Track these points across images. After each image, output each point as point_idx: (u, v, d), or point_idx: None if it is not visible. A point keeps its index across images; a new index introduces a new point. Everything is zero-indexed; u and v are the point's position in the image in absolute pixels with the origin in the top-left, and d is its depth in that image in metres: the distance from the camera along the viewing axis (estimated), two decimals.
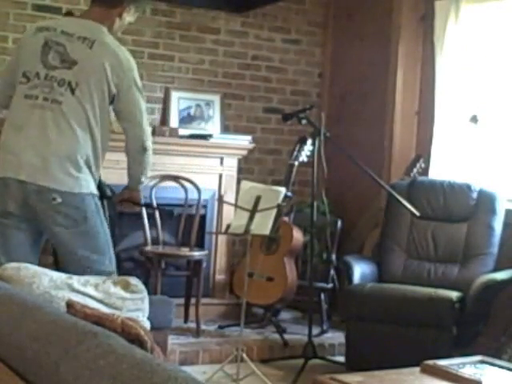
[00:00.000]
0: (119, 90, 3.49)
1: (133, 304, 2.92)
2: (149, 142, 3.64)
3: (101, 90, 3.45)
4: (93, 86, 3.43)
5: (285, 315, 5.42)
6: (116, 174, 4.98)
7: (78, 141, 3.43)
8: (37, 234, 3.59)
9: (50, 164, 3.40)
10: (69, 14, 4.69)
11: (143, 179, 3.77)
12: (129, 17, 3.61)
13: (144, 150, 3.62)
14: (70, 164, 3.42)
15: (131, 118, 3.56)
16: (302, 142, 4.85)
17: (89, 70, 3.43)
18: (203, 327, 4.91)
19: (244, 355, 3.99)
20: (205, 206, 5.34)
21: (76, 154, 3.43)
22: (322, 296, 5.12)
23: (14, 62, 3.59)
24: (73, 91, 3.42)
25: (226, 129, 5.75)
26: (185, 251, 4.97)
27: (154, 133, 5.22)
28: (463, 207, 4.69)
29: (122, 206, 4.08)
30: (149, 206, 4.81)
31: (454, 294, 4.20)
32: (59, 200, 3.41)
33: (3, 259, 3.36)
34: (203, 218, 5.36)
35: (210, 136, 5.36)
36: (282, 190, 4.16)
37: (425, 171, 5.11)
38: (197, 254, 4.97)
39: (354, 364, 4.28)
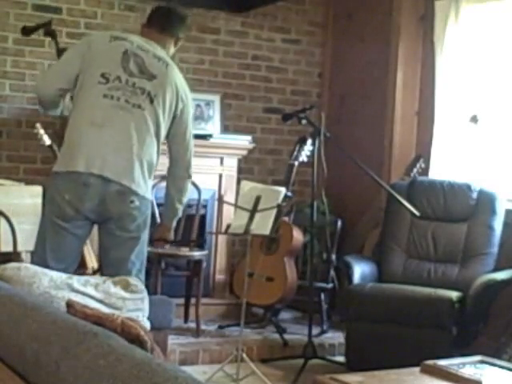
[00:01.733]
0: (181, 113, 3.63)
1: (133, 304, 2.92)
2: (192, 170, 3.77)
3: (170, 107, 3.58)
4: (167, 102, 3.56)
5: (285, 315, 5.42)
6: None
7: (153, 148, 3.56)
8: (85, 239, 3.66)
9: (132, 165, 3.48)
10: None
11: (180, 211, 3.81)
12: (174, 48, 3.85)
13: (189, 176, 3.75)
14: (145, 169, 3.54)
15: (184, 142, 3.69)
16: (302, 142, 4.85)
17: (165, 86, 3.57)
18: (203, 327, 4.91)
19: (244, 355, 3.99)
20: (205, 206, 5.34)
21: (151, 160, 3.56)
22: (322, 296, 5.12)
23: (81, 59, 3.55)
24: (151, 101, 3.53)
25: (225, 129, 5.75)
26: (185, 251, 4.97)
27: None
28: (463, 207, 4.69)
29: (153, 246, 4.12)
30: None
31: (453, 294, 4.20)
32: (137, 203, 3.50)
33: (53, 264, 3.37)
34: (203, 217, 5.36)
35: (210, 136, 5.36)
36: (282, 190, 4.16)
37: (425, 171, 5.11)
38: (197, 254, 4.97)
39: (354, 364, 4.28)
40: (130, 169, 3.48)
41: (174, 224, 3.86)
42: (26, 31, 4.68)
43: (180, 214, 3.83)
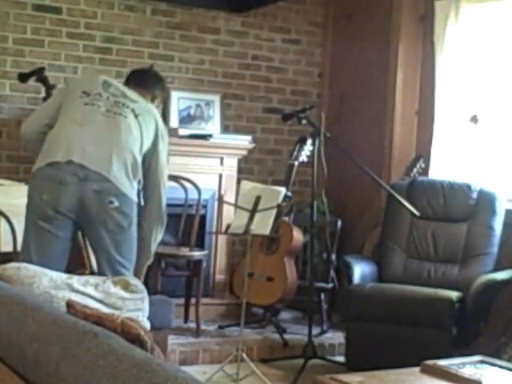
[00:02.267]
0: (158, 152, 3.68)
1: (133, 304, 2.92)
2: (165, 212, 3.79)
3: (151, 134, 3.66)
4: (150, 127, 3.66)
5: (285, 315, 5.42)
6: None
7: (137, 149, 3.59)
8: (70, 241, 3.62)
9: (111, 159, 3.50)
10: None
11: (153, 253, 3.86)
12: (155, 104, 3.91)
13: (161, 217, 3.76)
14: (130, 169, 3.55)
15: (156, 181, 3.71)
16: (302, 142, 4.84)
17: (147, 113, 3.69)
18: (203, 327, 4.90)
19: (244, 355, 3.99)
20: (205, 206, 5.34)
21: (135, 162, 3.57)
22: (322, 296, 5.12)
23: (62, 97, 3.75)
24: (136, 116, 3.63)
25: (225, 129, 5.75)
26: (185, 251, 4.97)
27: None
28: (463, 207, 4.69)
29: None
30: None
31: (454, 294, 4.20)
32: (116, 204, 3.49)
33: (35, 259, 3.38)
34: (203, 217, 5.36)
35: (210, 136, 5.36)
36: (282, 190, 4.16)
37: (425, 171, 5.10)
38: (197, 254, 4.97)
39: (354, 364, 4.28)
40: (109, 161, 3.50)
41: (145, 269, 3.87)
42: (22, 78, 4.76)
43: (152, 257, 3.86)
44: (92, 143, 3.53)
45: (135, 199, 3.60)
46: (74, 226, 3.57)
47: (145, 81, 3.92)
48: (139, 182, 3.64)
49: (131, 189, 3.56)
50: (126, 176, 3.54)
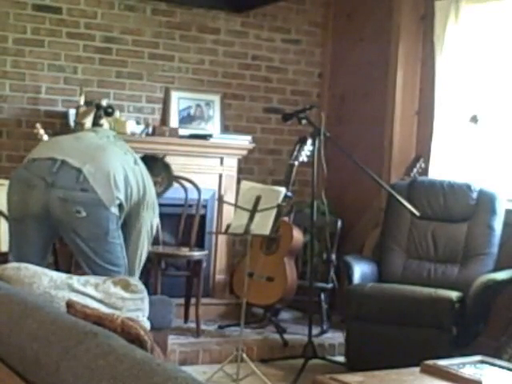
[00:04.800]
0: (142, 209, 3.68)
1: (133, 304, 2.92)
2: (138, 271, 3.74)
3: (141, 187, 3.67)
4: (140, 181, 3.68)
5: (285, 315, 5.42)
6: None
7: (120, 167, 3.57)
8: (48, 239, 3.62)
9: (94, 168, 3.49)
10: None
11: None
12: None
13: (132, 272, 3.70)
14: (111, 179, 3.50)
15: (138, 240, 3.73)
16: (302, 142, 4.84)
17: (141, 175, 3.72)
18: (203, 327, 4.90)
19: (244, 355, 3.99)
20: (205, 206, 5.34)
21: (118, 174, 3.53)
22: (322, 296, 5.12)
23: None
24: (135, 161, 3.68)
25: (226, 129, 5.75)
26: (185, 251, 4.96)
27: (154, 133, 5.24)
28: (463, 207, 4.69)
29: None
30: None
31: (454, 294, 4.19)
32: (83, 214, 3.44)
33: (12, 258, 3.38)
34: (203, 217, 5.36)
35: (210, 136, 5.36)
36: (282, 190, 4.15)
37: (425, 171, 5.10)
38: (197, 254, 4.97)
39: (354, 364, 4.28)
40: (89, 167, 3.49)
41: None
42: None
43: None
44: (79, 150, 3.55)
45: (114, 212, 3.52)
46: (48, 228, 3.54)
47: (152, 167, 3.90)
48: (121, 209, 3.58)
49: (111, 199, 3.49)
50: (107, 186, 3.48)
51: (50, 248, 3.73)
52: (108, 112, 4.09)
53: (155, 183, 3.81)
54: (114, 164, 3.53)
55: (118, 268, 3.55)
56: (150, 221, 3.70)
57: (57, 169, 3.45)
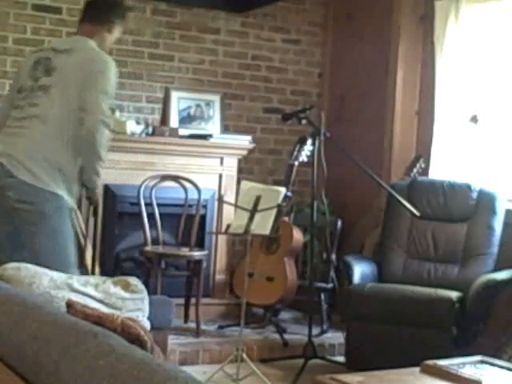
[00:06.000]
0: (84, 82, 3.55)
1: (133, 304, 2.92)
2: (101, 149, 3.62)
3: (74, 86, 3.56)
4: (66, 86, 3.57)
5: (285, 315, 5.42)
6: (116, 174, 5.01)
7: (48, 141, 3.54)
8: (8, 238, 3.58)
9: (24, 153, 3.51)
10: None
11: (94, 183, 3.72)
12: (116, 33, 3.84)
13: (95, 154, 3.60)
14: (49, 165, 3.50)
15: (88, 108, 3.56)
16: (302, 142, 4.84)
17: (64, 73, 3.59)
18: (203, 327, 4.91)
19: (244, 355, 3.99)
20: (205, 206, 5.34)
21: (42, 152, 3.52)
22: (322, 296, 5.12)
23: (14, 84, 3.84)
24: (48, 93, 3.57)
25: (226, 129, 5.75)
26: (185, 251, 4.97)
27: (154, 133, 5.24)
28: (463, 207, 4.69)
29: None
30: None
31: (454, 294, 4.20)
32: (15, 196, 3.48)
33: None
34: (203, 217, 5.36)
35: (210, 136, 5.36)
36: (282, 190, 4.16)
37: (425, 171, 5.10)
38: (197, 254, 4.97)
39: (354, 364, 4.28)
40: (23, 147, 3.52)
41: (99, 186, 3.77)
42: None
43: (95, 182, 3.70)
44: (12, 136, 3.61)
45: (54, 190, 3.52)
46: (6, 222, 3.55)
47: (94, 13, 3.78)
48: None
49: (48, 181, 3.50)
50: (43, 168, 3.50)
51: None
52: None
53: None
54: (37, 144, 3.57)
55: (64, 260, 3.54)
56: None
57: None
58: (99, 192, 3.85)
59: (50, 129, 3.55)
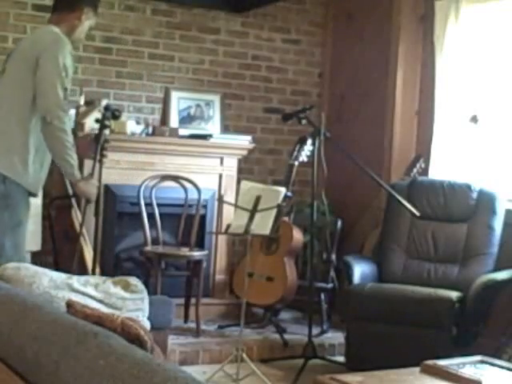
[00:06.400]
0: (36, 66, 3.57)
1: (133, 304, 2.92)
2: (57, 120, 3.56)
3: (26, 70, 3.58)
4: (19, 71, 3.61)
5: (285, 315, 5.42)
6: (116, 173, 5.01)
7: (10, 126, 3.57)
8: None
9: None
10: None
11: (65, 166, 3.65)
12: (88, 20, 3.83)
13: (49, 124, 3.56)
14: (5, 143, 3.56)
15: (41, 90, 3.57)
16: (302, 142, 4.84)
17: (18, 57, 3.65)
18: (203, 327, 4.90)
19: (244, 355, 3.99)
20: (205, 206, 5.34)
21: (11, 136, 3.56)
22: (322, 296, 5.12)
23: None
24: (2, 78, 3.66)
25: (225, 129, 5.75)
26: (185, 251, 4.97)
27: (154, 133, 5.24)
28: (463, 207, 4.69)
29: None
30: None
31: (453, 294, 4.20)
32: None
33: None
34: (203, 217, 5.36)
35: (210, 136, 5.36)
36: (282, 190, 4.16)
37: (425, 171, 5.10)
38: (197, 254, 4.97)
39: (354, 364, 4.28)
40: None
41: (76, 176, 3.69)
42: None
43: (68, 169, 3.65)
44: None
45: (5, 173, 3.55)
46: None
47: (65, 2, 3.77)
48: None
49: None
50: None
51: None
52: (115, 115, 4.08)
53: None
54: None
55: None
56: None
57: None
58: (92, 185, 3.75)
59: (3, 113, 3.59)
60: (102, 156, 3.86)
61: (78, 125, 4.89)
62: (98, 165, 3.82)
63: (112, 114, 4.01)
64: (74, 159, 3.59)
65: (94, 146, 3.85)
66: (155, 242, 5.00)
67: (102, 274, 4.23)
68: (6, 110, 3.60)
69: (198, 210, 5.08)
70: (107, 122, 3.97)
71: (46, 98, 3.55)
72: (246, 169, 5.80)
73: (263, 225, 4.00)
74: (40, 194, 4.05)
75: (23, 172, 3.58)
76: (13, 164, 3.56)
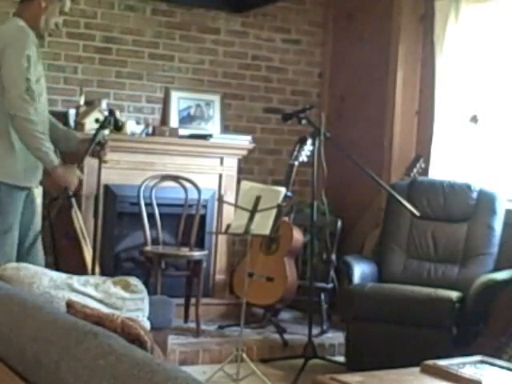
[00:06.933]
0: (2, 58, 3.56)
1: (133, 304, 2.92)
2: (21, 111, 3.55)
3: None
4: None
5: (285, 315, 5.42)
6: (116, 173, 5.01)
7: None
8: None
9: None
10: None
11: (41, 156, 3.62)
12: (52, 5, 3.73)
13: (14, 116, 3.55)
14: None
15: (5, 85, 3.56)
16: (302, 142, 4.84)
17: None
18: (203, 327, 4.90)
19: (244, 355, 3.99)
20: (205, 206, 5.34)
21: None
22: (322, 296, 5.12)
23: None
24: None
25: (225, 129, 5.75)
26: (185, 251, 4.97)
27: (154, 133, 5.24)
28: (463, 207, 4.69)
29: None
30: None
31: (453, 294, 4.20)
32: None
33: None
34: (203, 217, 5.36)
35: (210, 136, 5.36)
36: (282, 190, 4.16)
37: (425, 171, 5.10)
38: (197, 254, 4.97)
39: (354, 364, 4.28)
40: None
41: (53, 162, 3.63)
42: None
43: (43, 158, 3.61)
44: None
45: None
46: None
47: None
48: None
49: None
50: None
51: None
52: (118, 126, 4.06)
53: None
54: None
55: None
56: None
57: None
58: (72, 174, 3.67)
59: None
60: (99, 158, 3.86)
61: (78, 125, 4.89)
62: (88, 158, 3.83)
63: (115, 122, 4.00)
64: (46, 146, 3.57)
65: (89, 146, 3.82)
66: (155, 242, 5.01)
67: (102, 274, 4.23)
68: None
69: (197, 210, 5.08)
70: (106, 128, 3.96)
71: (8, 92, 3.56)
72: (246, 169, 5.80)
73: (263, 225, 4.00)
74: (40, 193, 4.05)
75: (9, 166, 3.58)
76: None
